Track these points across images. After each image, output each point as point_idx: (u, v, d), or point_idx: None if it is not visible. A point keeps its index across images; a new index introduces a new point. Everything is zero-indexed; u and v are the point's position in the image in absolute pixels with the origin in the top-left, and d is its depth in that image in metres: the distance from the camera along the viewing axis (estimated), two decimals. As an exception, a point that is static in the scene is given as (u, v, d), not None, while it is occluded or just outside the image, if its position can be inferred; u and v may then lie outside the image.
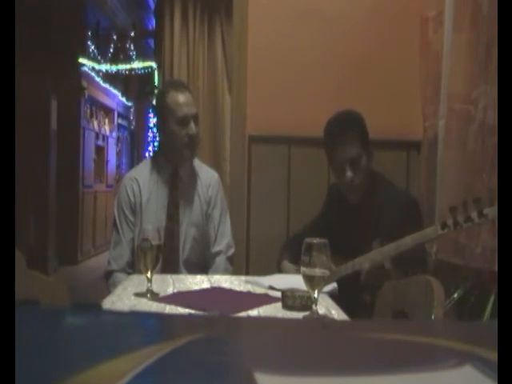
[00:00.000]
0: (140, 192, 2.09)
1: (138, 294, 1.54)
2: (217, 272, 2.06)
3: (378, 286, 1.66)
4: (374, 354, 0.56)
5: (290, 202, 2.73)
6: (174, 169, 2.13)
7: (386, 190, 1.91)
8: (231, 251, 2.16)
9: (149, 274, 1.53)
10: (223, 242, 2.13)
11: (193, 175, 2.16)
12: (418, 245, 1.64)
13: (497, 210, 1.48)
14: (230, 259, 2.15)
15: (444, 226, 1.56)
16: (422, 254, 1.83)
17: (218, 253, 2.12)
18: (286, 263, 1.98)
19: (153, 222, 1.97)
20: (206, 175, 2.18)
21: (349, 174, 1.87)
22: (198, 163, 2.21)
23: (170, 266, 2.01)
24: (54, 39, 6.25)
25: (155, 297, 1.52)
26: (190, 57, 4.18)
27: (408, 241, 1.64)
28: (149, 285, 1.53)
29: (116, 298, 1.52)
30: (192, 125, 2.07)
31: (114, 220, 2.12)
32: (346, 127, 1.91)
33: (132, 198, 2.09)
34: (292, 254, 1.93)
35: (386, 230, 1.80)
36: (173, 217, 2.09)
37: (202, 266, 2.11)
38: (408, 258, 1.68)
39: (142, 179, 2.12)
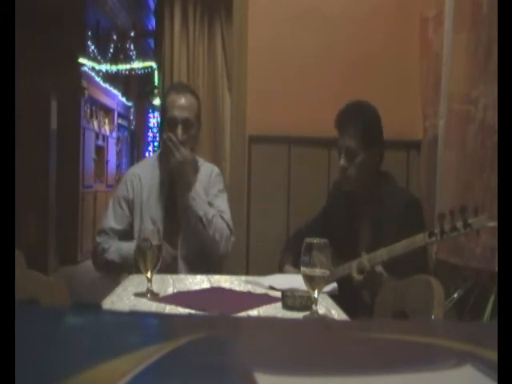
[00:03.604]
0: (141, 188, 2.10)
1: (137, 294, 1.54)
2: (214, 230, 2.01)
3: (372, 290, 1.66)
4: (374, 354, 0.56)
5: (289, 201, 2.73)
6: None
7: (388, 188, 1.91)
8: (227, 216, 2.08)
9: (149, 274, 1.53)
10: (224, 215, 2.07)
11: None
12: (409, 251, 1.64)
13: (482, 220, 1.50)
14: (227, 222, 2.07)
15: (431, 234, 1.58)
16: (422, 258, 1.83)
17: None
18: (287, 267, 1.97)
19: (153, 219, 1.98)
20: (206, 170, 2.17)
21: (341, 162, 1.90)
22: (200, 161, 2.19)
23: (170, 265, 2.00)
24: (53, 39, 6.26)
25: (155, 297, 1.52)
26: (190, 57, 4.18)
27: (398, 247, 1.64)
28: (149, 285, 1.53)
29: (116, 297, 1.52)
30: (179, 130, 2.02)
31: (107, 208, 2.13)
32: (350, 118, 1.91)
33: (131, 195, 2.09)
34: (294, 256, 1.92)
35: (386, 227, 1.81)
36: (172, 215, 2.08)
37: (202, 263, 2.11)
38: (407, 261, 1.68)
39: (144, 176, 2.12)
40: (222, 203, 2.13)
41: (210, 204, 2.08)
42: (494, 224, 1.50)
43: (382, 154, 1.94)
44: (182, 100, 2.05)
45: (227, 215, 2.10)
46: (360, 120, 1.90)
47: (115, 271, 2.06)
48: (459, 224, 1.52)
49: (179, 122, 2.02)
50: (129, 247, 1.92)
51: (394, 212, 1.83)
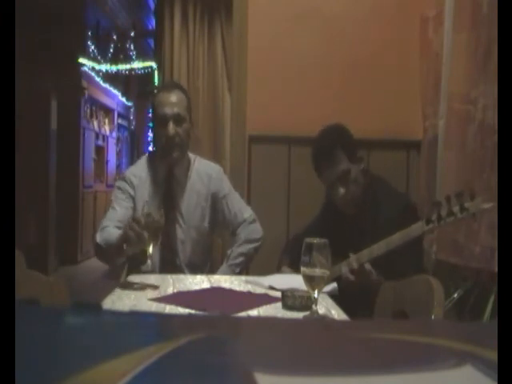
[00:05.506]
0: (141, 191, 2.04)
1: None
2: (253, 234, 2.10)
3: (362, 289, 1.66)
4: (374, 354, 0.56)
5: (289, 201, 2.73)
6: (168, 169, 2.07)
7: (383, 195, 1.90)
8: (252, 216, 2.15)
9: (150, 249, 1.52)
10: (244, 215, 2.12)
11: (188, 173, 2.10)
12: (407, 242, 1.63)
13: (478, 203, 1.49)
14: (255, 222, 2.15)
15: (428, 221, 1.57)
16: (418, 257, 1.82)
17: (241, 222, 2.11)
18: (284, 268, 1.97)
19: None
20: (206, 171, 2.12)
21: (341, 190, 1.87)
22: (198, 159, 2.15)
23: (170, 269, 1.97)
24: (54, 39, 6.26)
25: (152, 270, 1.52)
26: (190, 57, 4.18)
27: (396, 237, 1.64)
28: (148, 261, 1.52)
29: (116, 297, 1.52)
30: (170, 126, 1.99)
31: (111, 201, 2.08)
32: (328, 147, 1.88)
33: (132, 193, 2.05)
34: (292, 259, 1.92)
35: (383, 232, 1.80)
36: (170, 220, 2.02)
37: (205, 266, 2.09)
38: (404, 257, 1.67)
39: (143, 178, 2.08)
40: (240, 204, 2.14)
41: (234, 214, 2.10)
42: (489, 205, 1.49)
43: (362, 158, 1.93)
44: (171, 97, 2.03)
45: (247, 213, 2.14)
46: (335, 144, 1.87)
47: (102, 257, 1.93)
48: (456, 209, 1.52)
49: (170, 118, 2.00)
50: (116, 234, 1.80)
51: (390, 217, 1.82)
